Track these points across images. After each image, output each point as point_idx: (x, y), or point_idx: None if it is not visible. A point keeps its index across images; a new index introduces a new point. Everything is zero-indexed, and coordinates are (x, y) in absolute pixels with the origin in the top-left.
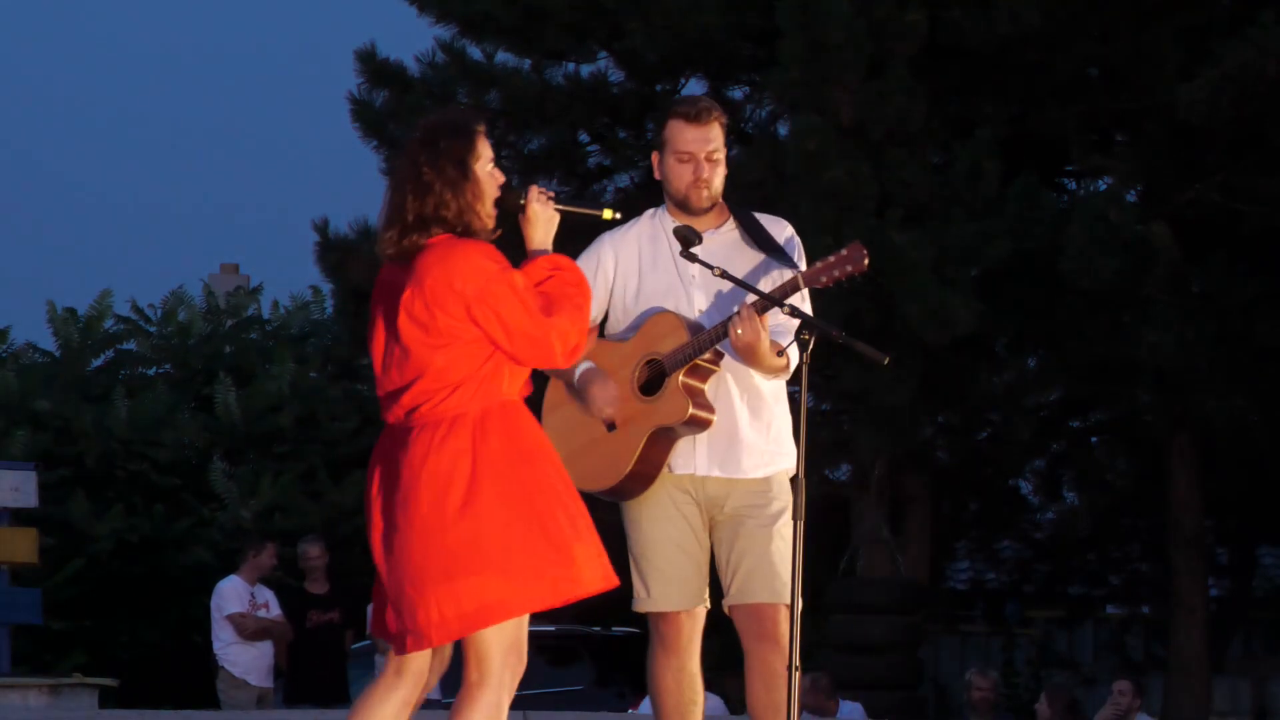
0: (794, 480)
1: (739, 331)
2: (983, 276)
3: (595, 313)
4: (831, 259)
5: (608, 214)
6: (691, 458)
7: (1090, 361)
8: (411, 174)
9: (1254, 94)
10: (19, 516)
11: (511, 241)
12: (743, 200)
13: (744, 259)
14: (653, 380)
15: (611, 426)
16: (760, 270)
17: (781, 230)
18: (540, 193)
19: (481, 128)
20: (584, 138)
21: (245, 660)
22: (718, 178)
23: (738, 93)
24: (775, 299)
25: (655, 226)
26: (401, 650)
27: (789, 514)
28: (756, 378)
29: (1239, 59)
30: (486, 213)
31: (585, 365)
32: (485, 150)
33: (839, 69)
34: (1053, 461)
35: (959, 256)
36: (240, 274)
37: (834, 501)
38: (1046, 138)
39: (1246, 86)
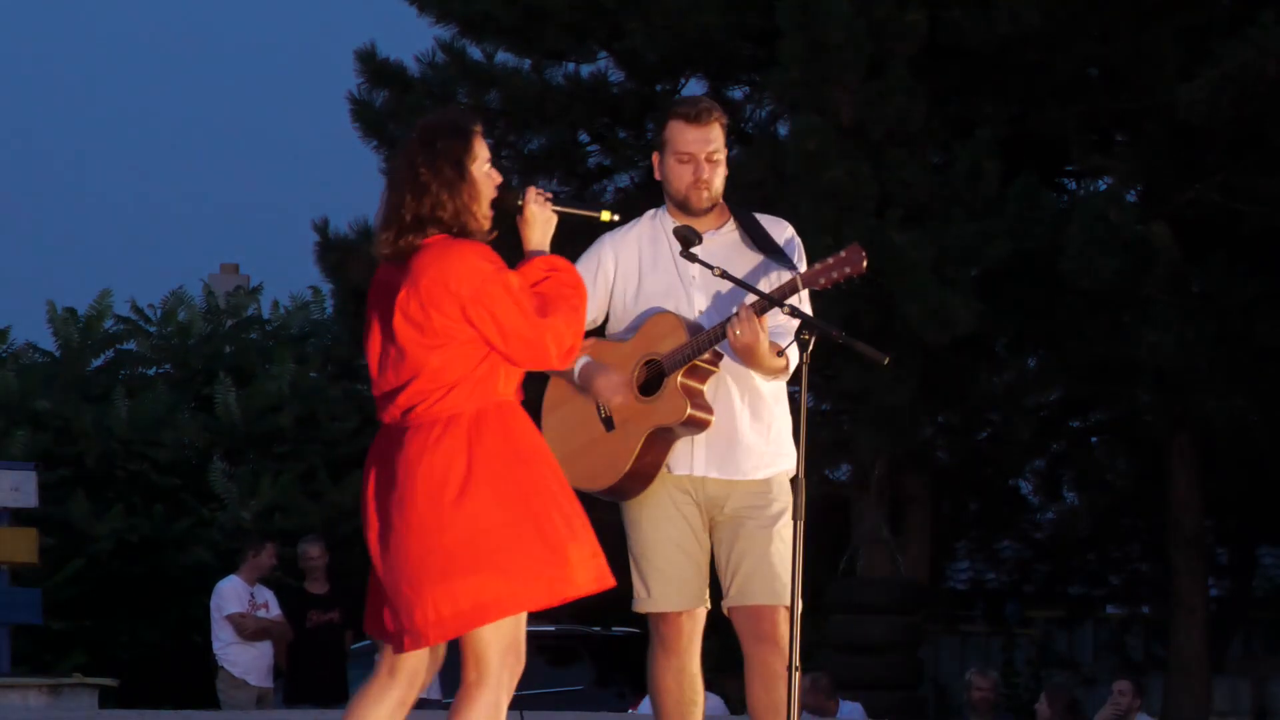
0: (794, 480)
1: (737, 333)
2: (983, 276)
3: (595, 314)
4: (830, 261)
5: (605, 216)
6: (689, 458)
7: (1090, 361)
8: (408, 174)
9: (1254, 94)
10: (19, 516)
11: (509, 242)
12: (743, 200)
13: (744, 260)
14: (652, 380)
15: (610, 426)
16: (760, 271)
17: (782, 231)
18: (538, 194)
19: (479, 128)
20: (584, 138)
21: (245, 660)
22: (718, 178)
23: (738, 93)
24: (775, 299)
25: (656, 227)
26: (400, 649)
27: (789, 515)
28: (756, 379)
29: (1239, 59)
30: (483, 213)
31: (584, 360)
32: (482, 151)
33: (839, 69)
34: (1053, 461)
35: (959, 256)
36: (240, 274)
37: (834, 501)
38: (1046, 138)
39: (1246, 86)
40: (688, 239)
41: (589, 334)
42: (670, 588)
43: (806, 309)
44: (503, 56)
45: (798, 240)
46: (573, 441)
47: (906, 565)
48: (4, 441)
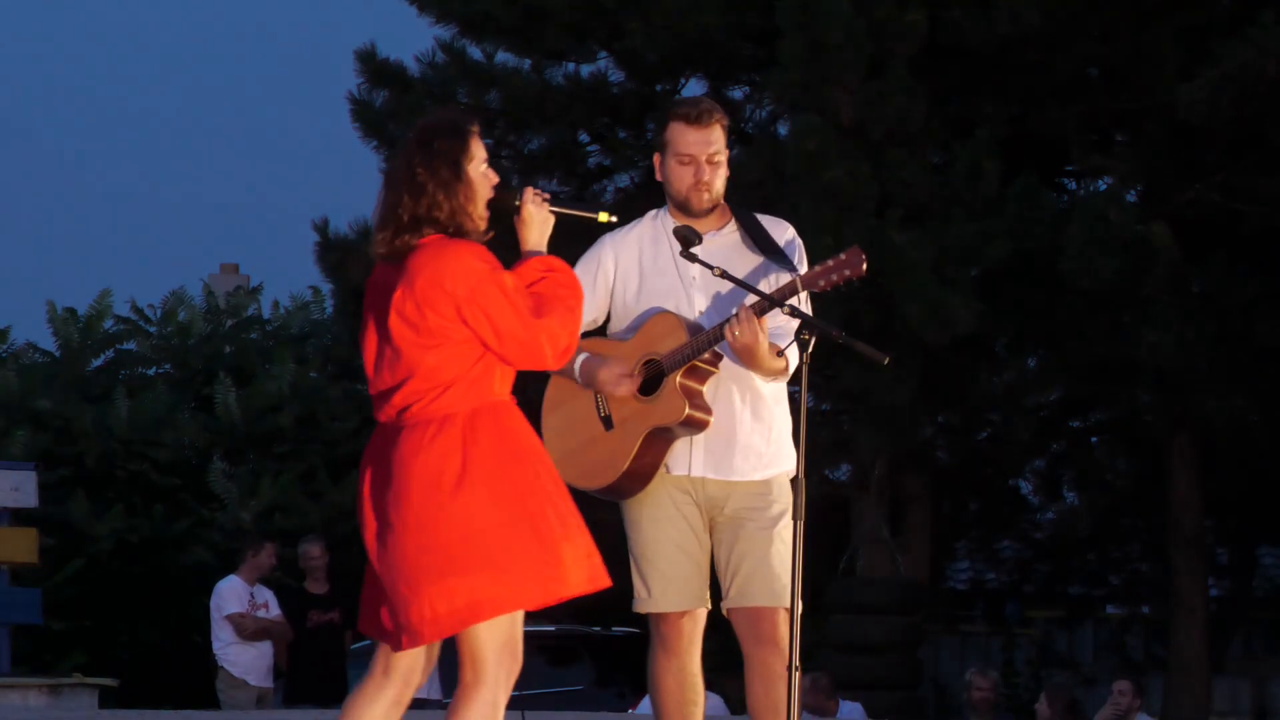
0: (794, 481)
1: (736, 333)
2: (983, 276)
3: (596, 314)
4: (830, 263)
5: (603, 216)
6: (687, 458)
7: (1090, 361)
8: (405, 175)
9: (1254, 94)
10: (19, 516)
11: (506, 242)
12: (743, 200)
13: (744, 261)
14: (651, 380)
15: (609, 425)
16: (759, 272)
17: (783, 232)
18: (535, 194)
19: (476, 128)
20: (584, 138)
21: (245, 660)
22: (719, 180)
23: (738, 93)
24: (775, 300)
25: (657, 228)
26: (398, 647)
27: (789, 516)
28: (757, 380)
29: (1239, 59)
30: (479, 214)
31: (584, 356)
32: (479, 151)
33: (839, 69)
34: (1053, 461)
35: (959, 256)
36: (240, 274)
37: (834, 501)
38: (1046, 138)
39: (1246, 86)
40: (688, 239)
41: (590, 334)
42: (670, 588)
43: (807, 309)
44: (503, 56)
45: (799, 242)
46: (572, 440)
47: (906, 565)
48: (4, 441)
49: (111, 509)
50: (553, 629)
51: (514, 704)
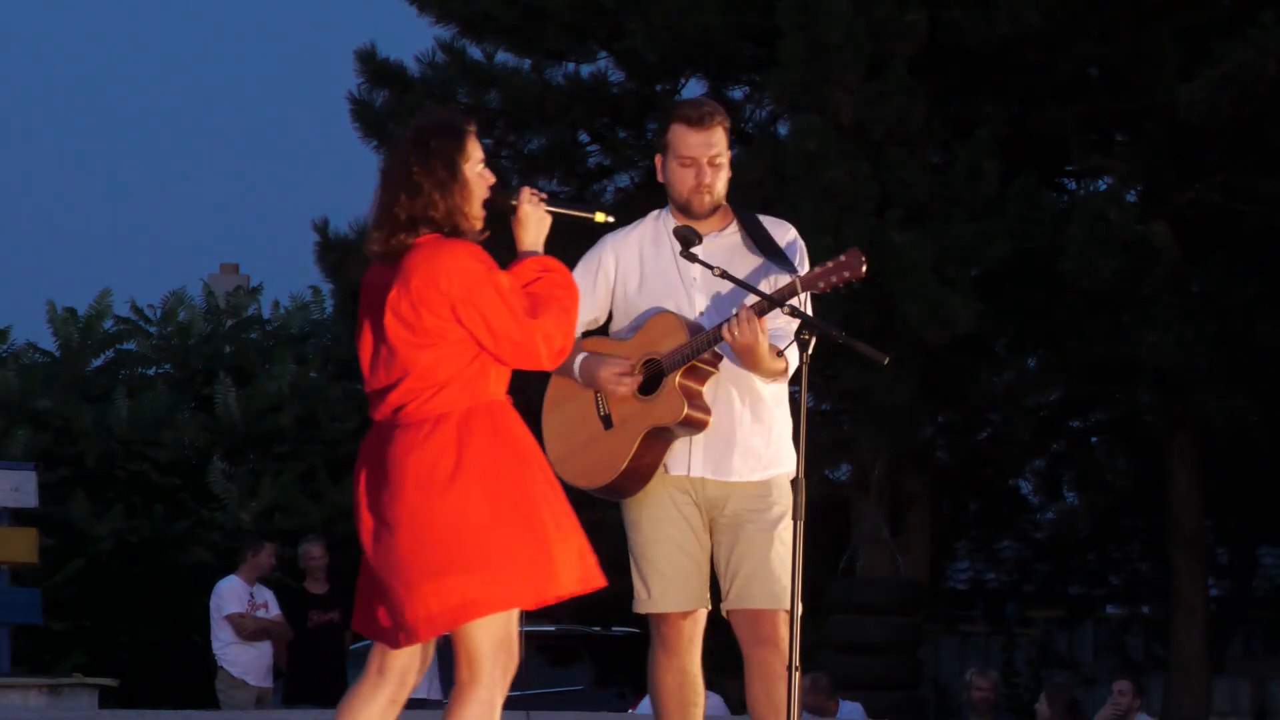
0: (794, 481)
1: (735, 333)
2: (983, 276)
3: (597, 314)
4: (830, 265)
5: (600, 217)
6: (686, 459)
7: (1090, 361)
8: (401, 174)
9: (1254, 94)
10: (19, 516)
11: (503, 242)
12: (743, 200)
13: (745, 262)
14: (651, 380)
15: (609, 424)
16: (759, 274)
17: (785, 234)
18: (532, 194)
19: (472, 128)
20: (584, 138)
21: (244, 660)
22: (720, 182)
23: (738, 93)
24: (775, 300)
25: (658, 228)
26: (394, 645)
27: (789, 518)
28: (756, 381)
29: (1239, 59)
30: (474, 213)
31: (582, 355)
32: (475, 151)
33: (839, 69)
34: (1053, 461)
35: (959, 256)
36: (240, 274)
37: (834, 501)
38: (1046, 138)
39: (1246, 86)
40: (687, 239)
41: (591, 333)
42: (670, 588)
43: (809, 311)
44: (503, 56)
45: (801, 243)
46: (572, 439)
47: (906, 565)
48: (4, 441)
49: (111, 509)
50: (553, 629)
51: (516, 704)
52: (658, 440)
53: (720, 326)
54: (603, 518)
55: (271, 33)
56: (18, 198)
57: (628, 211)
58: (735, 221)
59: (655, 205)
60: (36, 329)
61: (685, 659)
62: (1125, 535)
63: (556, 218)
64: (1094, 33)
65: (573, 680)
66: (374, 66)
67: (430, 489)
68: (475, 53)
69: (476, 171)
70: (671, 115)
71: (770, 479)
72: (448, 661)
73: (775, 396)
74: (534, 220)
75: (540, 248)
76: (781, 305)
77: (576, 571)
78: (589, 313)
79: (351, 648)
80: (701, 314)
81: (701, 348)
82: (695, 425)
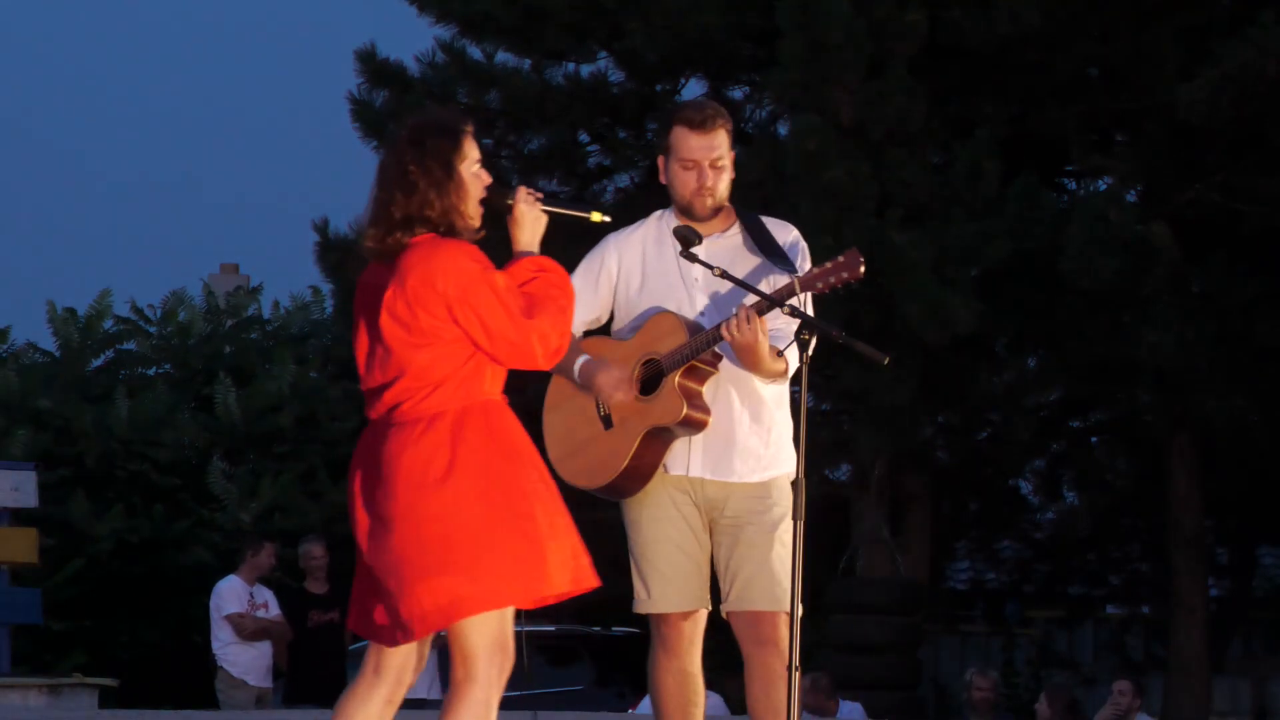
0: (794, 482)
1: (735, 333)
2: (983, 276)
3: (599, 313)
4: (829, 265)
5: (596, 216)
6: (685, 459)
7: (1090, 361)
8: (397, 172)
9: (1254, 94)
10: (19, 516)
11: (500, 242)
12: (743, 200)
13: (746, 263)
14: (651, 380)
15: (609, 424)
16: (760, 274)
17: (787, 235)
18: (528, 194)
19: (469, 128)
20: (584, 138)
21: (244, 660)
22: (722, 184)
23: (738, 93)
24: (774, 300)
25: (661, 228)
26: (391, 643)
27: (790, 519)
28: (756, 382)
29: (1239, 59)
30: (470, 213)
31: (584, 358)
32: (472, 151)
33: (839, 69)
34: (1053, 461)
35: (959, 256)
36: (240, 274)
37: (834, 501)
38: (1046, 138)
39: (1246, 86)
40: (687, 239)
41: (592, 333)
42: (670, 589)
43: (809, 310)
44: (503, 56)
45: (803, 245)
46: (572, 439)
47: (906, 565)
48: (4, 441)
49: (111, 509)
50: (553, 629)
51: (520, 704)
52: (657, 440)
53: (720, 326)
54: (603, 518)
55: (271, 33)
56: (18, 198)
57: (628, 211)
58: (738, 223)
59: (655, 205)
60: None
61: (685, 659)
62: (1125, 535)
63: (553, 217)
64: (1094, 33)
65: (573, 680)
66: (374, 66)
67: (423, 487)
68: (475, 53)
69: (472, 172)
70: (673, 118)
71: (770, 480)
72: (448, 661)
73: (776, 398)
74: (530, 220)
75: (536, 247)
76: (781, 305)
77: (569, 571)
78: (591, 312)
79: (351, 648)
80: (703, 314)
81: (701, 347)
82: (695, 425)
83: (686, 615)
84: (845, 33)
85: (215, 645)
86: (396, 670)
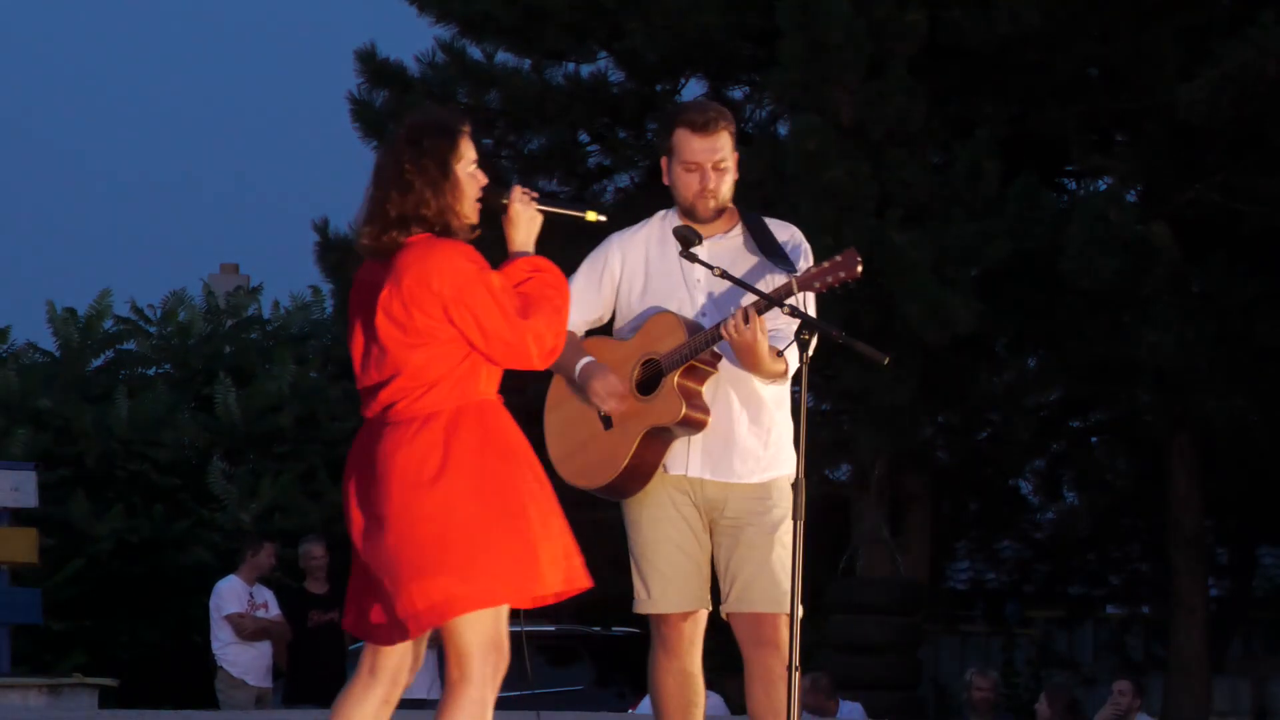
0: (794, 482)
1: (733, 333)
2: (983, 276)
3: (602, 312)
4: (826, 265)
5: (591, 216)
6: (685, 459)
7: (1090, 361)
8: (394, 171)
9: (1254, 94)
10: (19, 516)
11: (496, 241)
12: (743, 200)
13: (748, 264)
14: (650, 380)
15: (609, 424)
16: (759, 275)
17: (790, 236)
18: (523, 193)
19: (466, 128)
20: (584, 138)
21: (244, 660)
22: (725, 186)
23: (738, 93)
24: (774, 300)
25: (664, 228)
26: (387, 641)
27: (790, 520)
28: (756, 383)
29: (1239, 59)
30: (466, 213)
31: (586, 360)
32: (469, 152)
33: (839, 69)
34: (1053, 461)
35: (959, 256)
36: (240, 274)
37: (834, 501)
38: (1046, 138)
39: (1246, 86)
40: (687, 239)
41: (594, 332)
42: (671, 589)
43: (811, 311)
44: (503, 56)
45: (806, 246)
46: (572, 439)
47: (906, 565)
48: (4, 441)
49: (111, 509)
50: (553, 629)
51: (519, 704)
52: (657, 440)
53: (719, 325)
54: (603, 517)
55: (271, 33)
56: (18, 198)
57: (628, 211)
58: (740, 224)
59: (655, 205)
60: (36, 329)
61: (686, 659)
62: (1125, 535)
63: (548, 217)
64: (1094, 33)
65: (573, 680)
66: (374, 66)
67: (417, 487)
68: (475, 53)
69: (468, 172)
70: (676, 120)
71: (770, 481)
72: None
73: (776, 399)
74: (525, 219)
75: (531, 247)
76: (781, 305)
77: (562, 571)
78: (593, 311)
79: (351, 648)
80: (704, 315)
81: (700, 347)
82: (694, 425)
83: (686, 616)
84: (845, 33)
85: (215, 645)
86: (392, 670)
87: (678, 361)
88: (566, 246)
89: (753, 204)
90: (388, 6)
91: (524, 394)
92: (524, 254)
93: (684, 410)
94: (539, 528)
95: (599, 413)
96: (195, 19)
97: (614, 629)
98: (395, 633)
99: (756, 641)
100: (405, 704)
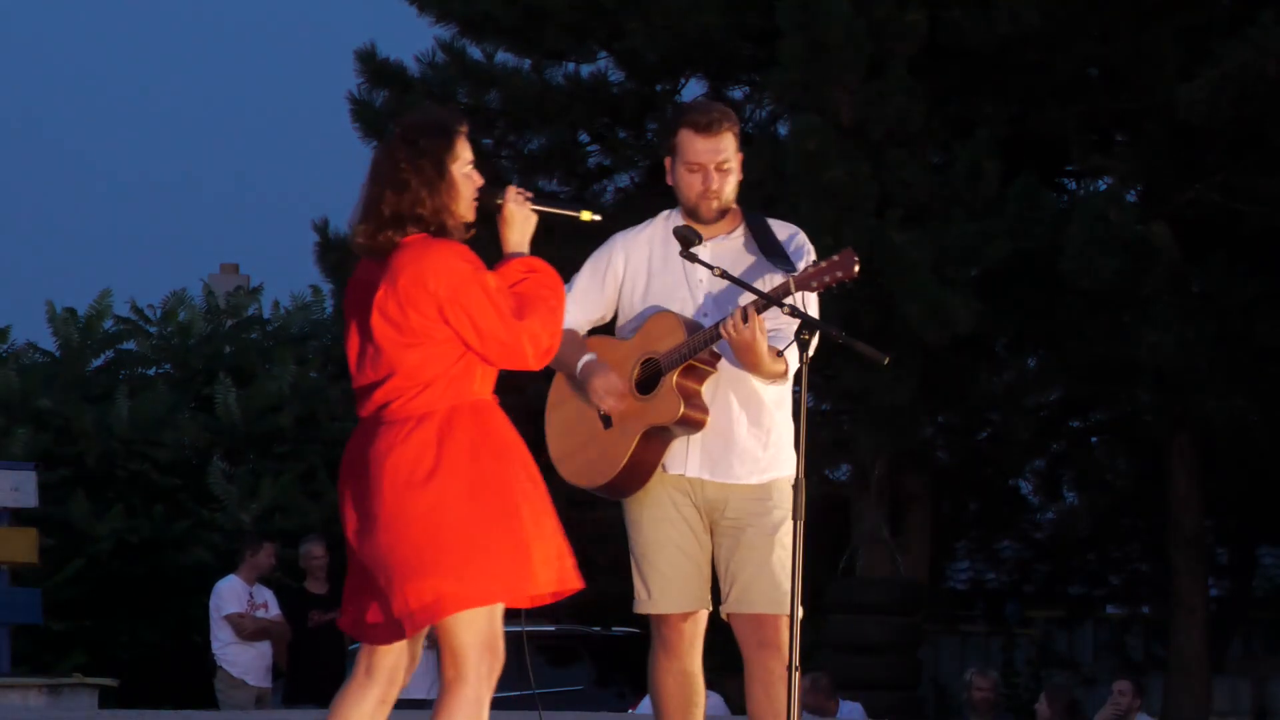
0: (795, 483)
1: (732, 331)
2: (983, 276)
3: (604, 311)
4: (823, 265)
5: (586, 215)
6: (683, 458)
7: (1090, 361)
8: (389, 170)
9: (1254, 94)
10: (19, 516)
11: (492, 242)
12: (743, 200)
13: (751, 265)
14: (650, 379)
15: (608, 423)
16: (759, 275)
17: (793, 237)
18: (517, 193)
19: (463, 129)
20: (584, 138)
21: (244, 660)
22: (728, 187)
23: (738, 93)
24: (773, 299)
25: (668, 229)
26: (383, 640)
27: (791, 522)
28: (757, 384)
29: (1239, 59)
30: (461, 214)
31: (587, 357)
32: (464, 152)
33: (839, 69)
34: (1053, 461)
35: (959, 256)
36: (240, 274)
37: (834, 501)
38: (1046, 138)
39: (1246, 86)
40: (687, 239)
41: (595, 331)
42: (671, 589)
43: (813, 312)
44: (503, 56)
45: (809, 246)
46: (572, 438)
47: (906, 565)
48: (4, 441)
49: (111, 509)
50: (553, 629)
51: (519, 705)
52: (655, 439)
53: (718, 325)
54: (603, 517)
55: (271, 33)
56: (18, 198)
57: (627, 212)
58: (743, 225)
59: (655, 205)
60: (36, 329)
61: (686, 660)
62: (1125, 535)
63: (543, 217)
64: (1094, 33)
65: (573, 680)
66: (374, 66)
67: (410, 487)
68: (475, 53)
69: (464, 172)
70: (680, 120)
71: (771, 482)
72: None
73: (776, 400)
74: (520, 219)
75: (526, 247)
76: (780, 305)
77: (555, 571)
78: (595, 310)
79: (351, 647)
80: (706, 315)
81: (699, 346)
82: (692, 425)
83: (687, 616)
84: (845, 33)
85: (215, 645)
86: (389, 670)
87: (677, 361)
88: (565, 247)
89: (753, 204)
90: (388, 6)
91: (524, 394)
92: (519, 254)
93: (682, 410)
94: (532, 528)
95: (599, 412)
96: (195, 19)
97: (614, 629)
98: (391, 632)
99: (757, 643)
100: (406, 704)
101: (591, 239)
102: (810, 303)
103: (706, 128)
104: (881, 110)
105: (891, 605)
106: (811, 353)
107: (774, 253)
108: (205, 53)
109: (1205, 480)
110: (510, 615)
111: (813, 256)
